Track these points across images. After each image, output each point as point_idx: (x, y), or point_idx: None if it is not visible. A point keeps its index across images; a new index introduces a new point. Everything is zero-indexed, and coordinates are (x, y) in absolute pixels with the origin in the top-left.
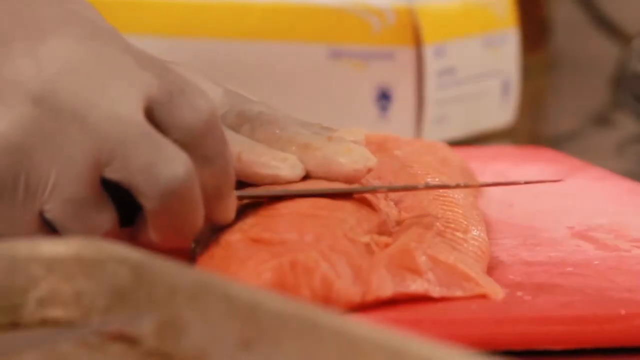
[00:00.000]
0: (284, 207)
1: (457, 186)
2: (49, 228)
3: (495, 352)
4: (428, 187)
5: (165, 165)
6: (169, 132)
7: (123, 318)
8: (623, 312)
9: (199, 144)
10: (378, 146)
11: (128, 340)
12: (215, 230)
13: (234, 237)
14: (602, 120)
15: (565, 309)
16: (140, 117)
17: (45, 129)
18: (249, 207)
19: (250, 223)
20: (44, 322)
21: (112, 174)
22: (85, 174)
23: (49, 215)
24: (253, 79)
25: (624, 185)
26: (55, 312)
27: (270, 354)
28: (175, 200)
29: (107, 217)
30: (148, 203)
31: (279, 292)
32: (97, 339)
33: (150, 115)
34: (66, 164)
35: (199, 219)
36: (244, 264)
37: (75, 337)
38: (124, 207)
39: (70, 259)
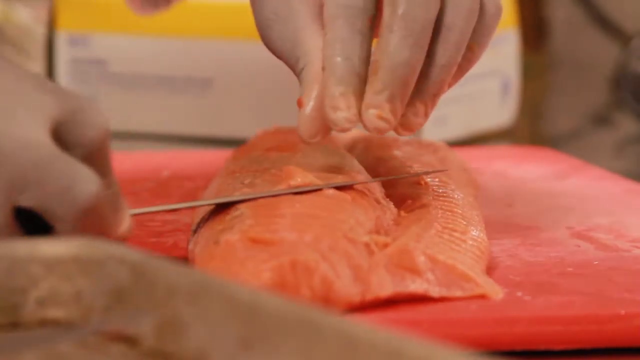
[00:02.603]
0: (284, 208)
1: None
2: None
3: (495, 352)
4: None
5: (80, 188)
6: (73, 149)
7: (123, 318)
8: (623, 312)
9: (97, 158)
10: (377, 145)
11: (128, 340)
12: (213, 231)
13: (233, 237)
14: (601, 120)
15: (565, 309)
16: (48, 140)
17: None
18: (248, 207)
19: (249, 223)
20: (44, 322)
21: (27, 201)
22: (1, 205)
23: None
24: (253, 79)
25: (624, 185)
26: (55, 312)
27: (270, 354)
28: (90, 220)
29: None
30: (64, 226)
31: (278, 292)
32: (96, 338)
33: (55, 135)
34: None
35: (112, 232)
36: (244, 264)
37: (75, 337)
38: (31, 231)
39: (69, 259)
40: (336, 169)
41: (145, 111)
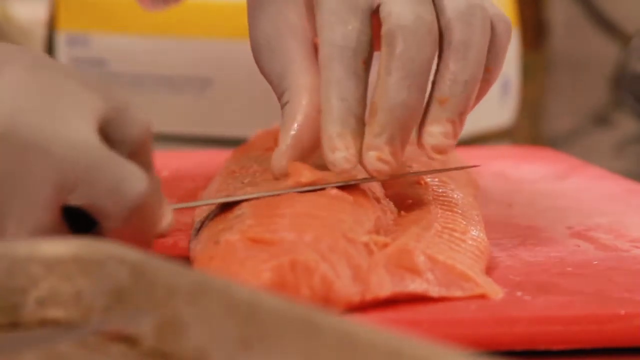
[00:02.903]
0: (284, 208)
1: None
2: None
3: (495, 352)
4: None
5: (129, 186)
6: (119, 147)
7: (122, 318)
8: (622, 312)
9: (141, 154)
10: None
11: (127, 340)
12: (213, 231)
13: (233, 237)
14: (601, 119)
15: (565, 309)
16: (97, 140)
17: (6, 163)
18: (249, 207)
19: (249, 223)
20: (44, 322)
21: (76, 200)
22: (48, 203)
23: None
24: (252, 79)
25: (623, 185)
26: (55, 312)
27: (269, 353)
28: (138, 217)
29: None
30: (112, 223)
31: (278, 292)
32: (96, 339)
33: (101, 132)
34: (28, 196)
35: (155, 231)
36: (244, 264)
37: (74, 337)
38: (78, 228)
39: (69, 259)
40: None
41: (145, 111)
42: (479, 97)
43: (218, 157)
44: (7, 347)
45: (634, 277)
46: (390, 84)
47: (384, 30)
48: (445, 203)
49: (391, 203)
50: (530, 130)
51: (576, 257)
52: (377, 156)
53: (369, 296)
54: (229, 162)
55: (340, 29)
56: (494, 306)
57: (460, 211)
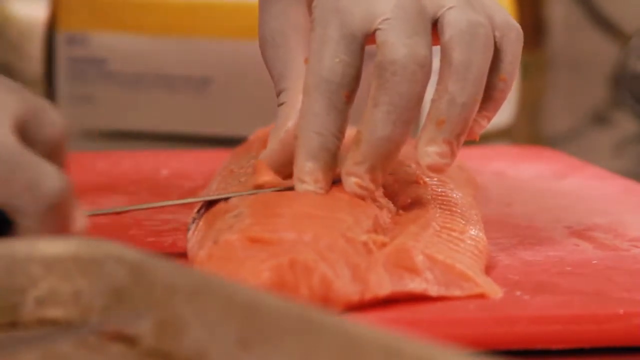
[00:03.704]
0: (283, 208)
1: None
2: None
3: (494, 352)
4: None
5: (46, 183)
6: (35, 147)
7: (122, 318)
8: (621, 311)
9: (57, 155)
10: None
11: (127, 339)
12: (212, 230)
13: (232, 237)
14: (600, 119)
15: (564, 309)
16: (12, 139)
17: None
18: (248, 206)
19: (248, 223)
20: (43, 322)
21: None
22: None
23: None
24: (252, 78)
25: (623, 184)
26: (54, 312)
27: (269, 353)
28: (54, 216)
29: None
30: (28, 221)
31: (277, 291)
32: (95, 338)
33: (18, 133)
34: None
35: (71, 231)
36: (243, 264)
37: (74, 337)
38: None
39: (69, 259)
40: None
41: (145, 110)
42: (493, 108)
43: (218, 156)
44: (6, 347)
45: (633, 276)
46: (376, 117)
47: (376, 60)
48: (444, 202)
49: (390, 202)
50: (529, 129)
51: (575, 257)
52: (357, 182)
53: (368, 295)
54: (228, 161)
55: (328, 61)
56: (493, 306)
57: (459, 210)
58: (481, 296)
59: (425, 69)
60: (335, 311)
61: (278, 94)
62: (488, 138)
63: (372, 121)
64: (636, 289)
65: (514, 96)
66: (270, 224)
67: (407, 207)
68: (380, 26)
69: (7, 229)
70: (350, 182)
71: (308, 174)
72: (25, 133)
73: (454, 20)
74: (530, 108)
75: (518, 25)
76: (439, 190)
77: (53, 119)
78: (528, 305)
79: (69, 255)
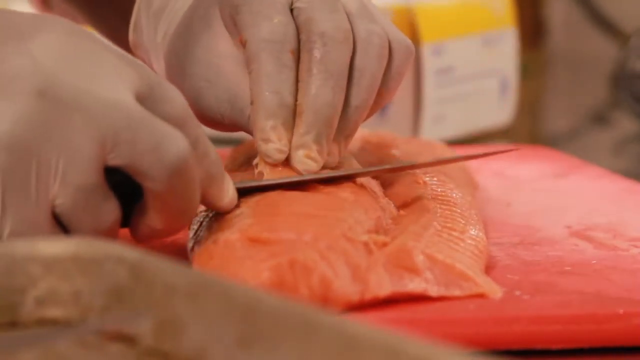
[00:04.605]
0: (283, 207)
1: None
2: (61, 228)
3: (494, 352)
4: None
5: (169, 144)
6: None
7: (121, 317)
8: (621, 311)
9: (182, 130)
10: (376, 145)
11: (126, 339)
12: (212, 230)
13: (232, 237)
14: (600, 119)
15: (563, 308)
16: (135, 102)
17: (50, 120)
18: (247, 206)
19: (248, 223)
20: (42, 322)
21: (116, 160)
22: (92, 161)
23: (59, 209)
24: None
25: (622, 184)
26: (54, 312)
27: (268, 353)
28: (179, 179)
29: (112, 206)
30: (154, 184)
31: (277, 291)
32: (95, 338)
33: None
34: (73, 153)
35: (197, 200)
36: (243, 264)
37: (73, 337)
38: (121, 195)
39: (68, 259)
40: (335, 168)
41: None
42: (367, 116)
43: None
44: (6, 346)
45: (632, 276)
46: (314, 85)
47: (303, 35)
48: (444, 202)
49: (390, 202)
50: (529, 129)
51: (575, 257)
52: (306, 154)
53: (368, 295)
54: (227, 161)
55: (266, 24)
56: (492, 305)
57: (459, 210)
58: (481, 296)
59: (349, 40)
60: (335, 311)
61: (239, 116)
62: (488, 138)
63: (311, 90)
64: (635, 289)
65: (514, 96)
66: (271, 224)
67: (407, 207)
68: (298, 4)
69: (138, 198)
70: (299, 155)
71: (271, 132)
72: (144, 106)
73: (354, 27)
74: (530, 108)
75: (411, 44)
76: (439, 190)
77: (172, 96)
78: (527, 305)
79: (68, 255)
